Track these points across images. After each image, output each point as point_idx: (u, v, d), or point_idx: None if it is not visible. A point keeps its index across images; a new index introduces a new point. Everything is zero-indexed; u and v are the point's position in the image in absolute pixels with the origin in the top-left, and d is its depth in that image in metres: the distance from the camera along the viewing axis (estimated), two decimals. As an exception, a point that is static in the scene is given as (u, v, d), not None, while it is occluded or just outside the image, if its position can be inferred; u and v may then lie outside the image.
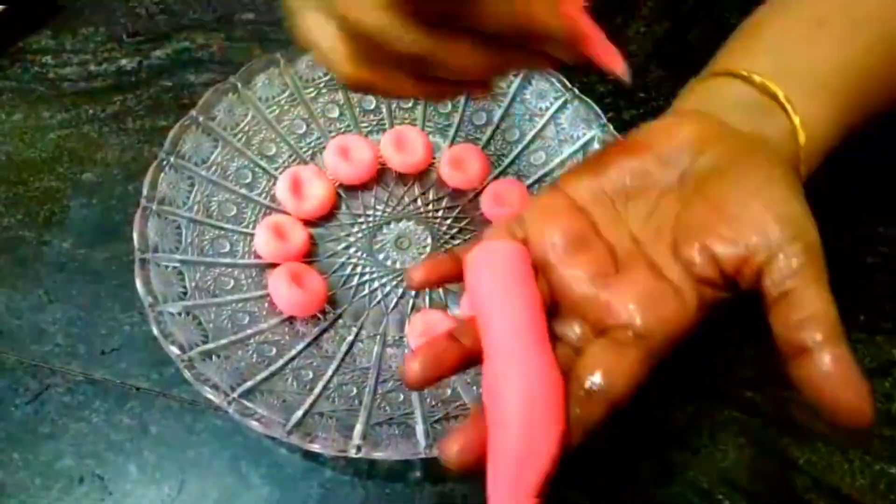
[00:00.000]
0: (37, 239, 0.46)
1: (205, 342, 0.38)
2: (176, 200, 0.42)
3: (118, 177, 0.48)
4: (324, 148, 0.47)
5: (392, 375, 0.39)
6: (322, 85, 0.48)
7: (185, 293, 0.39)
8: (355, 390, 0.38)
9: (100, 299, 0.43)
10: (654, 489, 0.37)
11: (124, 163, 0.49)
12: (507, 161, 0.47)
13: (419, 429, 0.35)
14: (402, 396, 0.38)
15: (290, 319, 0.41)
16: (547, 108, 0.47)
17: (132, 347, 0.41)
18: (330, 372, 0.39)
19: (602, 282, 0.28)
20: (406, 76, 0.29)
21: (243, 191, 0.45)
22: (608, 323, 0.28)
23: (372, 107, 0.49)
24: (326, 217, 0.46)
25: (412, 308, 0.43)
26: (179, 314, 0.38)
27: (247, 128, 0.46)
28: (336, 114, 0.49)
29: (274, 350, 0.39)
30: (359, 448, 0.34)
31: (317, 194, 0.45)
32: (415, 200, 0.47)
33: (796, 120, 0.30)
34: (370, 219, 0.46)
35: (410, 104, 0.49)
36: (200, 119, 0.45)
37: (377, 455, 0.34)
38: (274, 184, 0.46)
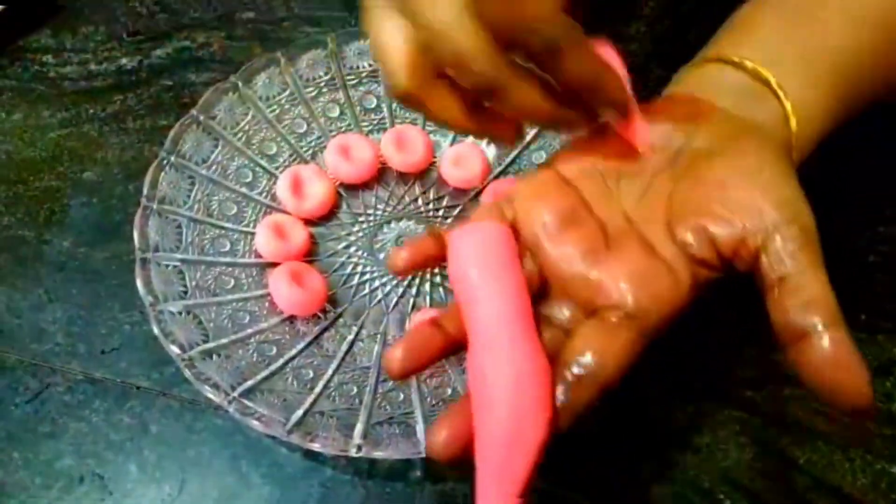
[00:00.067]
0: (37, 238, 0.46)
1: (205, 341, 0.38)
2: (176, 200, 0.42)
3: (118, 176, 0.48)
4: (324, 147, 0.47)
5: (392, 375, 0.39)
6: (323, 84, 0.48)
7: (185, 292, 0.39)
8: (356, 389, 0.38)
9: (100, 298, 0.43)
10: (655, 489, 0.37)
11: (125, 162, 0.49)
12: (507, 160, 0.47)
13: (420, 428, 0.35)
14: (402, 396, 0.38)
15: (291, 319, 0.41)
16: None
17: (132, 347, 0.41)
18: (330, 371, 0.39)
19: (593, 259, 0.28)
20: (459, 101, 0.29)
21: (244, 190, 0.45)
22: (599, 303, 0.27)
23: (373, 106, 0.49)
24: (327, 216, 0.46)
25: (413, 307, 0.43)
26: (180, 313, 0.38)
27: (247, 127, 0.46)
28: (337, 113, 0.49)
29: (274, 349, 0.39)
30: (359, 447, 0.34)
31: (317, 193, 0.45)
32: (415, 200, 0.47)
33: (788, 105, 0.30)
34: (371, 218, 0.46)
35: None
36: (201, 118, 0.45)
37: (378, 454, 0.34)
38: (274, 183, 0.46)
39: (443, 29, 0.25)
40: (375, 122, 0.49)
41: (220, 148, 0.45)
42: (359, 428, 0.35)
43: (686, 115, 0.30)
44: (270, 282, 0.41)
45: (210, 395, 0.35)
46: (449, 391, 0.38)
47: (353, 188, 0.47)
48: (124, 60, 0.55)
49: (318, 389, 0.37)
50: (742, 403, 0.39)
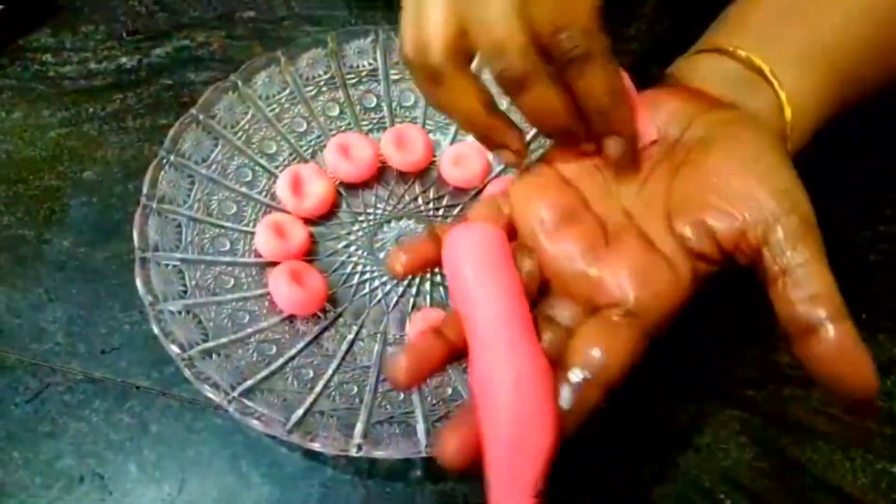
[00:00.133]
0: (37, 238, 0.46)
1: (205, 341, 0.38)
2: (176, 199, 0.42)
3: (118, 175, 0.48)
4: (324, 146, 0.47)
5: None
6: (322, 83, 0.48)
7: (185, 292, 0.39)
8: (356, 389, 0.38)
9: (100, 298, 0.43)
10: (656, 488, 0.37)
11: (124, 161, 0.49)
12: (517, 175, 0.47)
13: (420, 427, 0.35)
14: (402, 395, 0.38)
15: (291, 318, 0.41)
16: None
17: (132, 346, 0.41)
18: (330, 371, 0.39)
19: (593, 257, 0.28)
20: (478, 94, 0.29)
21: (243, 189, 0.45)
22: (600, 301, 0.27)
23: (373, 105, 0.49)
24: (327, 215, 0.46)
25: (413, 307, 0.43)
26: (179, 313, 0.38)
27: (247, 126, 0.46)
28: (336, 112, 0.49)
29: (274, 349, 0.39)
30: (359, 447, 0.34)
31: (317, 193, 0.45)
32: (415, 199, 0.47)
33: (783, 95, 0.30)
34: (371, 217, 0.46)
35: (412, 102, 0.49)
36: (201, 117, 0.45)
37: (378, 454, 0.34)
38: (274, 182, 0.45)
39: (489, 17, 0.26)
40: (375, 121, 0.49)
41: (219, 147, 0.45)
42: (359, 427, 0.35)
43: (681, 105, 0.30)
44: (270, 281, 0.41)
45: (210, 395, 0.35)
46: (449, 391, 0.38)
47: (352, 187, 0.47)
48: (124, 59, 0.54)
49: (318, 389, 0.37)
50: (742, 403, 0.39)
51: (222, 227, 0.43)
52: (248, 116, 0.46)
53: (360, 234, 0.45)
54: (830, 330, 0.24)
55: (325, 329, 0.41)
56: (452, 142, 0.48)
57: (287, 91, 0.48)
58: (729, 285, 0.38)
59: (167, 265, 0.40)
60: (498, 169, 0.47)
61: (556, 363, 0.26)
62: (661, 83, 0.33)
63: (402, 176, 0.47)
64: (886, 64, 0.34)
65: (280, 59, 0.47)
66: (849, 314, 0.24)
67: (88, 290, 0.44)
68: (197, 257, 0.41)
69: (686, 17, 0.54)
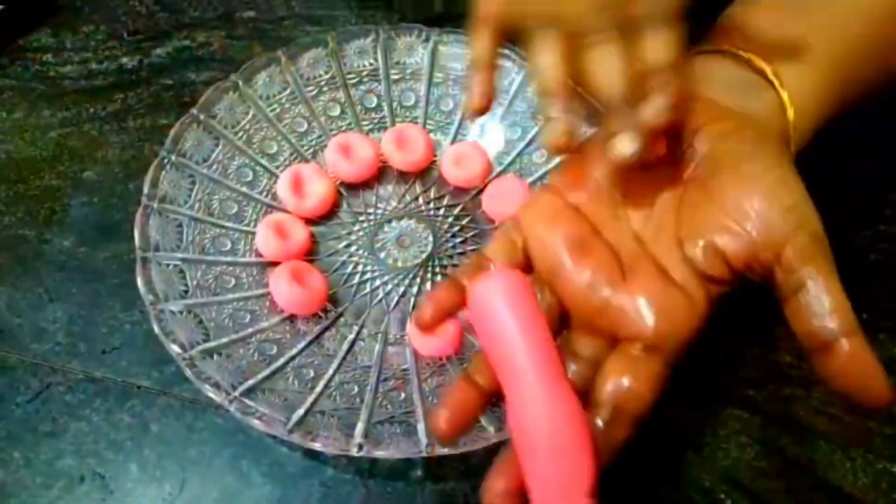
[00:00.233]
0: (37, 237, 0.46)
1: (206, 340, 0.38)
2: (177, 199, 0.42)
3: (119, 175, 0.48)
4: (325, 146, 0.47)
5: (393, 374, 0.39)
6: (323, 83, 0.48)
7: (186, 291, 0.39)
8: (357, 389, 0.38)
9: (100, 298, 0.43)
10: (656, 488, 0.37)
11: (125, 161, 0.49)
12: (508, 159, 0.47)
13: (421, 427, 0.35)
14: (403, 395, 0.38)
15: (292, 318, 0.41)
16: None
17: (133, 346, 0.41)
18: (331, 370, 0.39)
19: (611, 289, 0.28)
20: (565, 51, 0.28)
21: (244, 189, 0.45)
22: (621, 333, 0.28)
23: (373, 105, 0.49)
24: (327, 215, 0.46)
25: (413, 307, 0.43)
26: (180, 312, 0.38)
27: (248, 126, 0.46)
28: (337, 112, 0.49)
29: (275, 348, 0.39)
30: (360, 447, 0.34)
31: (318, 192, 0.45)
32: (416, 199, 0.47)
33: (784, 95, 0.30)
34: (371, 217, 0.46)
35: (412, 102, 0.49)
36: (201, 117, 0.45)
37: (379, 453, 0.34)
38: (275, 182, 0.45)
39: None
40: (376, 121, 0.49)
41: (220, 147, 0.45)
42: (360, 427, 0.35)
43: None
44: (271, 281, 0.41)
45: (211, 395, 0.35)
46: (450, 390, 0.38)
47: (353, 187, 0.47)
48: (125, 59, 0.54)
49: (318, 389, 0.37)
50: (743, 403, 0.39)
51: (223, 226, 0.43)
52: (249, 116, 0.46)
53: (361, 233, 0.45)
54: (844, 344, 0.24)
55: (326, 329, 0.41)
56: (453, 141, 0.48)
57: (288, 91, 0.48)
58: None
59: (168, 265, 0.40)
60: (498, 169, 0.47)
61: (584, 395, 0.27)
62: None
63: (403, 176, 0.47)
64: (887, 63, 0.34)
65: (281, 58, 0.47)
66: (860, 328, 0.25)
67: (89, 289, 0.44)
68: (198, 257, 0.41)
69: (686, 17, 0.55)
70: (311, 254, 0.44)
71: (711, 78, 0.31)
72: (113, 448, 0.38)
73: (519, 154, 0.47)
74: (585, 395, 0.27)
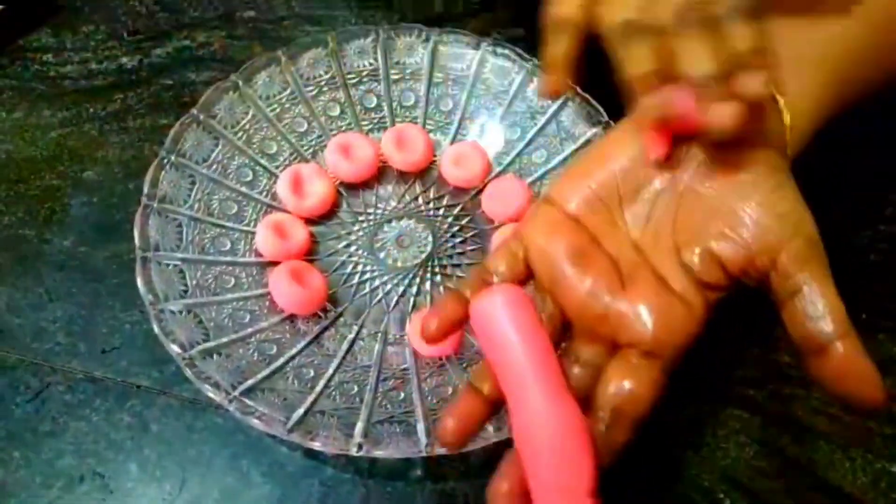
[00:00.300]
0: (37, 237, 0.46)
1: (206, 340, 0.38)
2: (177, 199, 0.42)
3: (119, 175, 0.48)
4: (325, 146, 0.47)
5: (393, 374, 0.39)
6: (323, 83, 0.48)
7: (185, 291, 0.39)
8: (356, 388, 0.38)
9: (100, 298, 0.43)
10: (655, 487, 0.37)
11: (125, 161, 0.49)
12: (508, 159, 0.47)
13: (420, 427, 0.35)
14: (402, 395, 0.38)
15: (291, 318, 0.41)
16: (548, 106, 0.47)
17: (133, 346, 0.41)
18: (331, 370, 0.39)
19: (611, 298, 0.29)
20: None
21: (244, 189, 0.45)
22: (621, 339, 0.28)
23: (373, 105, 0.49)
24: (327, 215, 0.46)
25: (413, 307, 0.43)
26: (180, 312, 0.38)
27: (247, 126, 0.46)
28: (337, 112, 0.49)
29: (275, 348, 0.39)
30: (360, 446, 0.34)
31: (317, 192, 0.45)
32: (416, 198, 0.47)
33: (781, 101, 0.30)
34: (371, 217, 0.46)
35: (412, 102, 0.49)
36: (201, 117, 0.45)
37: (378, 453, 0.34)
38: (275, 182, 0.46)
39: None
40: (376, 121, 0.49)
41: (220, 147, 0.45)
42: (359, 427, 0.35)
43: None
44: (271, 281, 0.41)
45: (210, 394, 0.35)
46: (449, 390, 0.38)
47: (353, 187, 0.47)
48: (125, 59, 0.54)
49: (318, 388, 0.37)
50: (743, 402, 0.39)
51: (223, 226, 0.43)
52: (249, 116, 0.46)
53: (361, 233, 0.45)
54: (838, 347, 0.25)
55: (326, 329, 0.41)
56: (452, 142, 0.48)
57: (287, 91, 0.48)
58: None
59: (168, 265, 0.40)
60: (498, 169, 0.47)
61: (585, 401, 0.28)
62: None
63: (403, 176, 0.47)
64: (886, 65, 0.34)
65: (281, 58, 0.47)
66: (854, 330, 0.25)
67: (89, 289, 0.44)
68: (198, 257, 0.41)
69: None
70: (310, 254, 0.44)
71: None
72: (113, 448, 0.38)
73: (518, 154, 0.47)
74: (587, 400, 0.28)
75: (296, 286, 0.40)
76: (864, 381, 0.25)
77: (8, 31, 0.56)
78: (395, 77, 0.49)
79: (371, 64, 0.49)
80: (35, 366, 0.41)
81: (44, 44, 0.56)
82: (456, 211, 0.46)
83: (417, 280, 0.43)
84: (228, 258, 0.42)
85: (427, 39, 0.49)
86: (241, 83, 0.46)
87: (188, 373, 0.35)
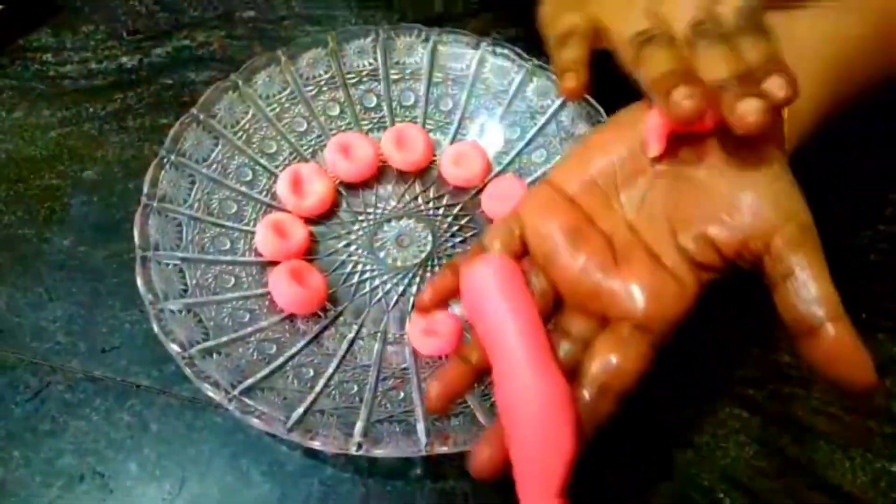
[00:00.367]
0: (37, 237, 0.46)
1: (205, 340, 0.38)
2: (177, 198, 0.42)
3: (119, 174, 0.48)
4: (324, 146, 0.47)
5: (392, 373, 0.39)
6: (323, 83, 0.48)
7: (185, 291, 0.39)
8: (356, 388, 0.38)
9: (100, 297, 0.43)
10: (655, 486, 0.37)
11: (125, 161, 0.49)
12: (507, 159, 0.47)
13: (420, 426, 0.35)
14: (402, 394, 0.38)
15: (291, 317, 0.41)
16: (548, 106, 0.47)
17: (132, 345, 0.41)
18: (331, 369, 0.39)
19: (603, 273, 0.29)
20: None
21: (244, 188, 0.45)
22: (611, 314, 0.29)
23: (373, 104, 0.49)
24: (327, 215, 0.46)
25: (413, 306, 0.43)
26: (180, 311, 0.38)
27: (247, 125, 0.46)
28: (337, 111, 0.49)
29: (274, 347, 0.39)
30: (359, 445, 0.34)
31: (317, 192, 0.45)
32: (416, 198, 0.47)
33: None
34: (371, 216, 0.46)
35: (412, 101, 0.49)
36: (201, 117, 0.45)
37: (378, 452, 0.34)
38: (274, 181, 0.46)
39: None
40: (375, 120, 0.49)
41: (220, 146, 0.45)
42: (359, 426, 0.35)
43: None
44: (270, 280, 0.41)
45: (210, 394, 0.35)
46: (449, 389, 0.38)
47: (353, 187, 0.47)
48: (124, 59, 0.55)
49: (318, 388, 0.37)
50: (742, 402, 0.39)
51: (223, 226, 0.43)
52: (249, 116, 0.46)
53: (361, 233, 0.45)
54: (830, 329, 0.25)
55: (326, 328, 0.41)
56: (452, 141, 0.48)
57: (287, 90, 0.48)
58: (729, 285, 0.38)
59: (168, 264, 0.40)
60: (497, 169, 0.47)
61: (573, 373, 0.28)
62: None
63: (403, 175, 0.47)
64: (883, 64, 0.34)
65: (280, 58, 0.47)
66: (845, 314, 0.25)
67: (89, 289, 0.44)
68: (197, 256, 0.41)
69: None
70: (310, 253, 0.44)
71: None
72: (112, 447, 0.38)
73: (518, 154, 0.47)
74: (575, 375, 0.28)
75: (295, 286, 0.40)
76: (855, 364, 0.25)
77: (8, 31, 0.56)
78: (395, 77, 0.49)
79: (371, 64, 0.49)
80: (35, 365, 0.41)
81: (44, 43, 0.56)
82: (456, 210, 0.46)
83: (417, 279, 0.43)
84: (228, 258, 0.42)
85: (427, 39, 0.49)
86: (240, 83, 0.46)
87: (188, 372, 0.35)
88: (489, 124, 0.48)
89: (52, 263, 0.45)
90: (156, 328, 0.37)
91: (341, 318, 0.42)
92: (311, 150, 0.48)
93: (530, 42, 0.44)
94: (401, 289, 0.43)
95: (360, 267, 0.44)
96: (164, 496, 0.37)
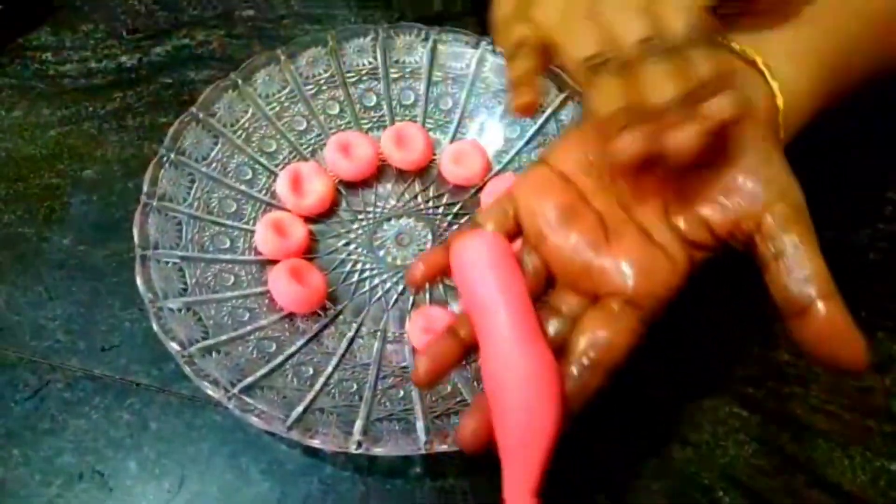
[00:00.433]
0: (37, 236, 0.46)
1: (205, 338, 0.38)
2: (176, 197, 0.42)
3: (118, 173, 0.48)
4: (324, 144, 0.47)
5: (392, 372, 0.39)
6: (322, 82, 0.48)
7: (185, 289, 0.39)
8: (355, 386, 0.38)
9: (100, 296, 0.43)
10: (654, 485, 0.37)
11: (124, 159, 0.49)
12: (507, 157, 0.47)
13: (419, 425, 0.35)
14: (402, 392, 0.38)
15: (291, 316, 0.41)
16: (548, 105, 0.47)
17: (132, 344, 0.41)
18: (330, 368, 0.39)
19: (594, 250, 0.29)
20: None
21: (243, 187, 0.45)
22: (602, 290, 0.29)
23: (372, 103, 0.49)
24: (326, 214, 0.46)
25: (412, 304, 0.43)
26: (179, 310, 0.38)
27: (247, 124, 0.46)
28: (336, 110, 0.49)
29: (274, 346, 0.39)
30: (359, 444, 0.34)
31: (317, 191, 0.45)
32: (415, 197, 0.47)
33: (774, 85, 0.31)
34: (370, 215, 0.46)
35: (411, 100, 0.49)
36: (200, 116, 0.45)
37: (377, 451, 0.34)
38: (274, 180, 0.46)
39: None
40: (375, 119, 0.49)
41: (219, 145, 0.45)
42: (358, 424, 0.35)
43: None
44: (270, 279, 0.41)
45: (210, 392, 0.35)
46: (448, 388, 0.38)
47: (352, 186, 0.47)
48: (124, 58, 0.55)
49: (317, 386, 0.37)
50: (742, 400, 0.39)
51: (222, 225, 0.43)
52: (248, 115, 0.46)
53: (360, 232, 0.45)
54: (821, 308, 0.25)
55: (325, 327, 0.41)
56: (452, 140, 0.48)
57: (287, 89, 0.48)
58: (728, 284, 0.38)
59: (167, 263, 0.40)
60: (497, 168, 0.47)
61: (563, 350, 0.28)
62: None
63: (402, 174, 0.47)
64: (878, 59, 0.35)
65: (280, 57, 0.47)
66: (837, 293, 0.25)
67: (88, 287, 0.44)
68: (197, 255, 0.41)
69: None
70: (310, 252, 0.44)
71: None
72: (112, 445, 0.38)
73: (518, 152, 0.47)
74: (563, 350, 0.28)
75: (295, 284, 0.40)
76: (846, 344, 0.25)
77: (7, 30, 0.56)
78: (395, 76, 0.49)
79: (370, 62, 0.49)
80: (34, 364, 0.41)
81: (43, 42, 0.56)
82: (455, 209, 0.46)
83: (417, 278, 0.43)
84: (228, 256, 0.42)
85: (426, 38, 0.49)
86: (240, 82, 0.46)
87: (187, 370, 0.35)
88: (489, 123, 0.48)
89: (51, 262, 0.45)
90: (155, 327, 0.37)
91: (341, 317, 0.42)
92: (310, 148, 0.48)
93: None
94: (400, 287, 0.43)
95: (359, 266, 0.44)
96: (163, 494, 0.37)
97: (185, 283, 0.40)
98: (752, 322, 0.40)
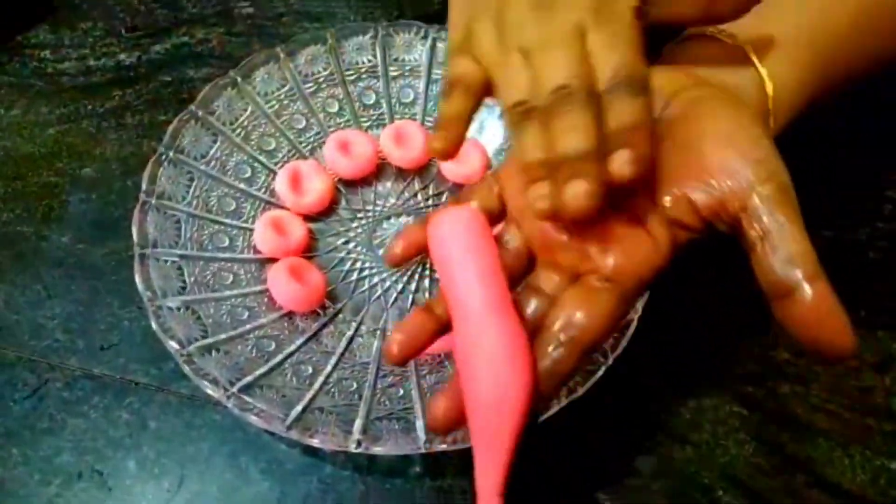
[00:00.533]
0: (36, 234, 0.46)
1: (204, 337, 0.37)
2: (175, 195, 0.42)
3: (117, 172, 0.48)
4: (323, 143, 0.47)
5: (392, 370, 0.39)
6: (322, 80, 0.48)
7: (184, 288, 0.39)
8: (355, 385, 0.38)
9: (99, 294, 0.43)
10: (654, 484, 0.37)
11: (123, 158, 0.49)
12: (507, 156, 0.47)
13: (419, 424, 0.35)
14: (401, 391, 0.38)
15: (290, 314, 0.41)
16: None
17: (131, 342, 0.41)
18: (329, 367, 0.39)
19: (575, 228, 0.28)
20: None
21: (242, 185, 0.45)
22: (582, 268, 0.28)
23: (372, 102, 0.49)
24: (326, 212, 0.46)
25: (412, 303, 0.43)
26: (178, 309, 0.38)
27: (246, 122, 0.46)
28: (336, 108, 0.48)
29: (273, 345, 0.39)
30: (358, 443, 0.34)
31: (316, 189, 0.45)
32: (415, 195, 0.47)
33: (763, 71, 0.31)
34: (370, 214, 0.46)
35: (411, 98, 0.49)
36: (199, 114, 0.45)
37: (377, 450, 0.34)
38: (273, 178, 0.45)
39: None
40: (374, 117, 0.49)
41: (218, 143, 0.45)
42: (358, 423, 0.35)
43: (665, 82, 0.30)
44: (269, 277, 0.41)
45: (209, 391, 0.35)
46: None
47: (352, 184, 0.47)
48: (123, 56, 0.54)
49: (317, 385, 0.37)
50: (742, 400, 0.39)
51: (221, 223, 0.43)
52: (248, 113, 0.46)
53: (360, 230, 0.45)
54: (807, 290, 0.24)
55: (325, 325, 0.41)
56: (452, 138, 0.48)
57: (286, 87, 0.47)
58: (728, 283, 0.38)
59: (166, 261, 0.40)
60: (496, 165, 0.47)
61: (538, 327, 0.27)
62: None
63: (402, 172, 0.47)
64: (868, 49, 0.35)
65: (279, 55, 0.47)
66: (824, 275, 0.25)
67: (87, 286, 0.44)
68: (196, 254, 0.41)
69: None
70: (309, 250, 0.44)
71: (694, 58, 0.32)
72: (111, 445, 0.38)
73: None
74: (540, 328, 0.28)
75: (294, 283, 0.40)
76: (833, 327, 0.24)
77: (6, 28, 0.55)
78: (394, 73, 0.49)
79: (370, 60, 0.49)
80: (33, 363, 0.41)
81: (42, 41, 0.55)
82: (455, 208, 0.46)
83: (416, 277, 0.43)
84: (227, 255, 0.42)
85: (426, 36, 0.49)
86: (239, 80, 0.46)
87: (186, 369, 0.35)
88: (488, 121, 0.48)
89: (50, 261, 0.45)
90: (154, 325, 0.36)
91: (340, 316, 0.42)
92: (310, 147, 0.48)
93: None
94: (400, 286, 0.43)
95: (359, 264, 0.44)
96: (162, 494, 0.37)
97: (184, 282, 0.40)
98: (752, 321, 0.40)
